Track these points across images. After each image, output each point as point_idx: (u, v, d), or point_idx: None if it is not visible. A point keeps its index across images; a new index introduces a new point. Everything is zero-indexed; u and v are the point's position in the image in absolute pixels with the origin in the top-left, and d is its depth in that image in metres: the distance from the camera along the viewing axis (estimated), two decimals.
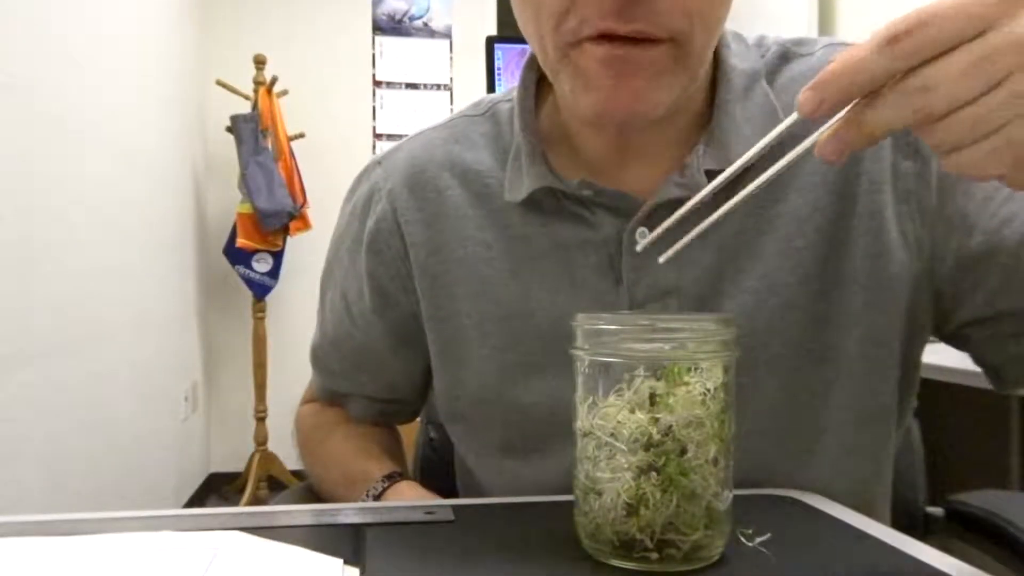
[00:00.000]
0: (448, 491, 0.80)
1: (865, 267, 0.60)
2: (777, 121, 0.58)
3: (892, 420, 0.64)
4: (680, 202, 0.57)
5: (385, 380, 0.77)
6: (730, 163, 0.57)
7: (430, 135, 0.73)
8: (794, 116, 0.41)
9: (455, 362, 0.69)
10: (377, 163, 0.74)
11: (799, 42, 0.67)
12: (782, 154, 0.44)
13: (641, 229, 0.61)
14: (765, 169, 0.45)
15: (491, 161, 0.68)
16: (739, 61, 0.63)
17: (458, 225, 0.67)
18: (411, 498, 0.68)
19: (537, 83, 0.68)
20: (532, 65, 0.68)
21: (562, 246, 0.64)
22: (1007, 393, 0.66)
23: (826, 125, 0.41)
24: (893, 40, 0.36)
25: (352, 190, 0.76)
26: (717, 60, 0.63)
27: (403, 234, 0.69)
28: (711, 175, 0.58)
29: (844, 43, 0.66)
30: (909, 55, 0.36)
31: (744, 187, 0.46)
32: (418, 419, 0.96)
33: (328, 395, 0.83)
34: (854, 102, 0.39)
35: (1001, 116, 0.36)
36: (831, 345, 0.61)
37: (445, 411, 0.73)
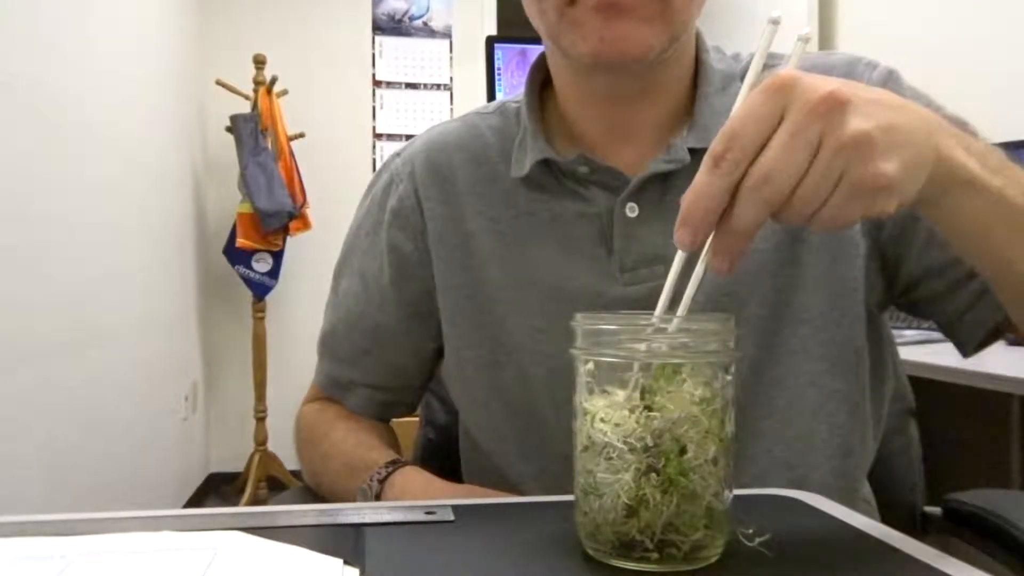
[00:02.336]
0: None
1: (826, 232, 0.67)
2: None
3: (863, 365, 0.70)
4: (665, 176, 0.68)
5: (392, 363, 0.81)
6: (710, 142, 0.64)
7: (444, 127, 0.81)
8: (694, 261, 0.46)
9: (465, 329, 0.74)
10: (396, 155, 0.82)
11: (771, 55, 0.74)
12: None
13: (630, 204, 0.68)
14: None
15: (498, 147, 0.76)
16: (717, 64, 0.72)
17: (469, 202, 0.75)
18: (416, 481, 0.70)
19: (542, 87, 0.76)
20: (538, 68, 0.76)
21: (561, 219, 0.71)
22: (970, 356, 0.70)
23: (704, 250, 0.46)
24: (717, 160, 0.42)
25: (371, 185, 0.83)
26: (698, 61, 0.72)
27: (423, 210, 0.76)
28: (694, 152, 0.67)
29: (807, 54, 0.72)
30: (735, 165, 0.42)
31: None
32: (417, 421, 0.96)
33: (331, 384, 0.84)
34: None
35: (835, 169, 0.41)
36: (804, 305, 0.67)
37: (454, 384, 0.78)
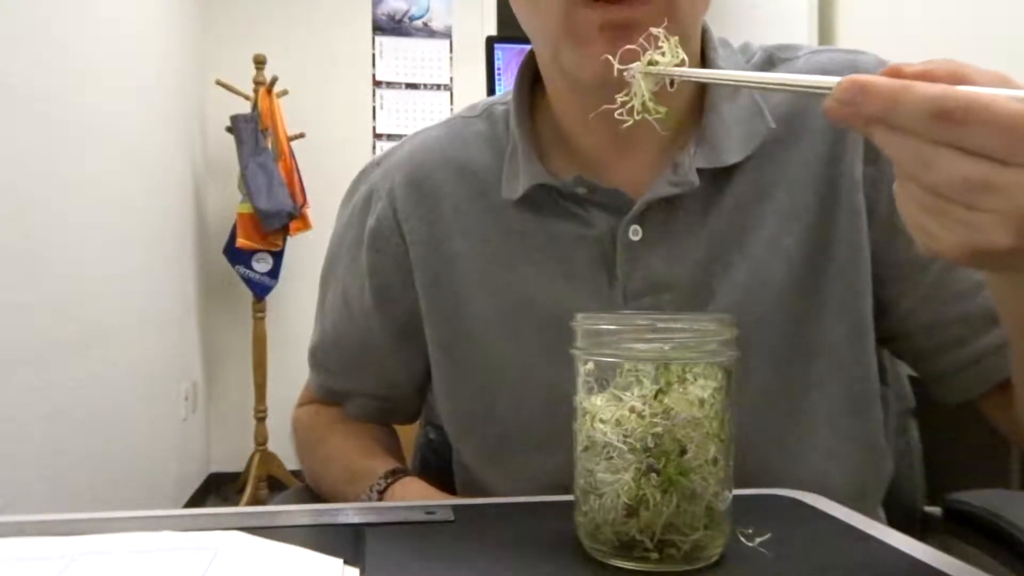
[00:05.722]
0: (448, 491, 0.80)
1: (849, 263, 0.63)
2: (764, 120, 0.64)
3: (878, 405, 0.66)
4: (672, 200, 0.63)
5: (385, 378, 0.78)
6: (721, 162, 0.62)
7: (427, 135, 0.74)
8: (823, 80, 0.39)
9: (454, 357, 0.70)
10: (375, 164, 0.76)
11: (783, 47, 0.69)
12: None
13: (634, 227, 0.63)
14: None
15: (487, 159, 0.70)
16: (725, 64, 0.66)
17: (456, 221, 0.69)
18: (415, 493, 0.68)
19: (531, 89, 0.70)
20: (526, 69, 0.70)
21: (558, 242, 0.66)
22: (947, 403, 0.67)
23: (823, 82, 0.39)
24: (947, 118, 0.35)
25: (350, 192, 0.78)
26: (705, 62, 0.66)
27: (403, 232, 0.71)
28: (701, 172, 0.62)
29: (826, 49, 0.69)
30: (947, 139, 0.35)
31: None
32: (417, 420, 0.96)
33: (327, 394, 0.82)
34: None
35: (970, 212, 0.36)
36: (820, 338, 0.63)
37: (444, 408, 0.74)
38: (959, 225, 0.36)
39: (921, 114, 0.35)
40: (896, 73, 0.37)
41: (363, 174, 0.77)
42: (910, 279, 0.63)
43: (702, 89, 0.66)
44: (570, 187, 0.64)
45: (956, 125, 0.34)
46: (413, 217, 0.70)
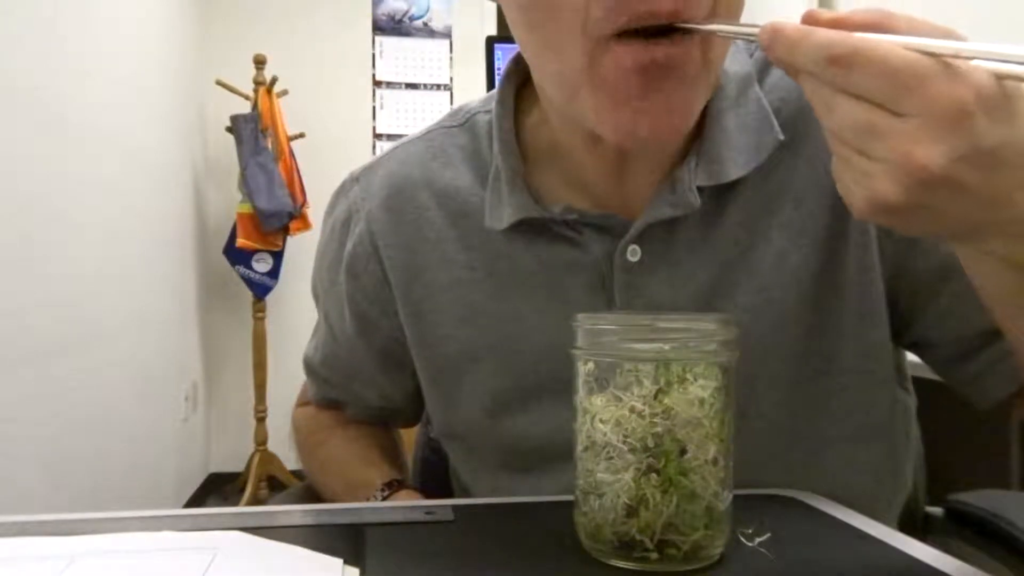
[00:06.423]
0: (449, 491, 0.80)
1: (858, 280, 0.60)
2: (772, 129, 0.60)
3: (892, 434, 0.64)
4: (671, 221, 0.59)
5: (379, 393, 0.77)
6: (723, 178, 0.58)
7: (407, 150, 0.70)
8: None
9: (446, 390, 0.68)
10: (355, 180, 0.72)
11: None
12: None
13: (632, 247, 0.60)
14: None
15: (470, 178, 0.66)
16: (731, 63, 0.61)
17: (439, 248, 0.65)
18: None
19: (518, 91, 0.66)
20: (511, 77, 0.65)
21: (550, 267, 0.62)
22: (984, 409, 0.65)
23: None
24: (833, 62, 0.36)
25: (331, 206, 0.75)
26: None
27: (381, 258, 0.67)
28: (703, 191, 0.58)
29: None
30: (841, 84, 0.36)
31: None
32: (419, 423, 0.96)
33: (324, 401, 0.82)
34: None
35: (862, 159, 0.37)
36: (828, 359, 0.60)
37: (439, 431, 0.73)
38: (860, 175, 0.37)
39: (818, 59, 0.36)
40: (811, 19, 0.38)
41: (343, 189, 0.74)
42: (933, 289, 0.60)
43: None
44: (559, 216, 0.61)
45: (845, 69, 0.35)
46: (392, 244, 0.67)
